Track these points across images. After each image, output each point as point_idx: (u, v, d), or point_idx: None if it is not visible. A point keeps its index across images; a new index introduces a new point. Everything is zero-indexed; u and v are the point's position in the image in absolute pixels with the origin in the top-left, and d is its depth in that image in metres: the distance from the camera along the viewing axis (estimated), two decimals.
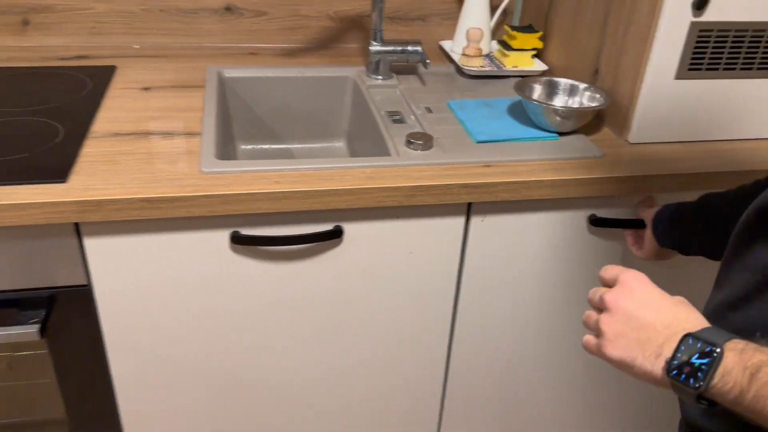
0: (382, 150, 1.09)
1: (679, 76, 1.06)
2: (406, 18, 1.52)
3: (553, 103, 1.16)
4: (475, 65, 1.37)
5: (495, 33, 1.51)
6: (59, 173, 0.91)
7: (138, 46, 1.42)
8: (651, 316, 0.58)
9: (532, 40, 1.38)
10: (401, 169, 1.00)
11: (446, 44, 1.51)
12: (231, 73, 1.33)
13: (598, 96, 1.14)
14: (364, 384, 1.19)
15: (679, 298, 0.61)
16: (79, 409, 1.09)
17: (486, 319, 1.16)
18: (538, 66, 1.38)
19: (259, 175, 0.96)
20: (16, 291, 0.96)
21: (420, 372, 1.20)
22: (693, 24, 1.01)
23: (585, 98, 1.16)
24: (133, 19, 1.40)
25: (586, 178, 1.02)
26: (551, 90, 1.18)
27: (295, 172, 0.97)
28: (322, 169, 0.98)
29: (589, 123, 1.14)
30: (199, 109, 1.15)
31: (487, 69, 1.37)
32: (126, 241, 0.94)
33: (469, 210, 1.04)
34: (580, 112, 1.10)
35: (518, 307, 1.16)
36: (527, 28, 1.40)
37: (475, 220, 1.04)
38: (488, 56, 1.43)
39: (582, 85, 1.17)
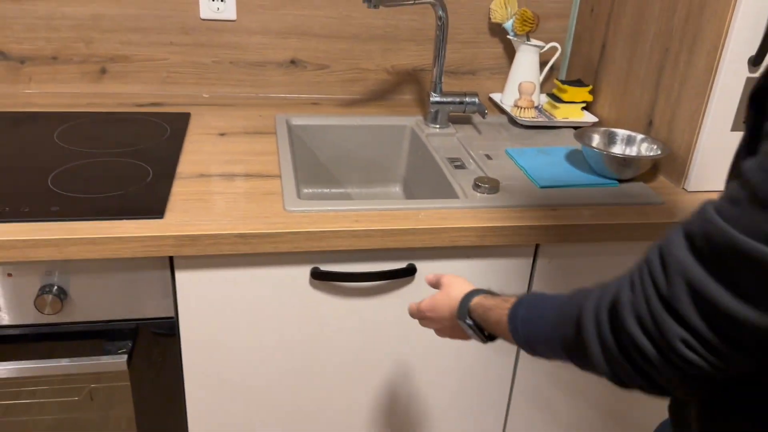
0: (448, 193, 1.14)
1: (735, 128, 1.11)
2: (458, 72, 1.60)
3: (614, 151, 1.22)
4: (528, 116, 1.44)
5: (542, 87, 1.59)
6: (156, 210, 0.97)
7: (207, 96, 1.51)
8: (444, 321, 0.85)
9: (583, 94, 1.45)
10: (473, 210, 1.05)
11: (496, 96, 1.58)
12: (297, 121, 1.40)
13: (655, 146, 1.19)
14: (431, 416, 1.21)
15: (446, 288, 0.86)
16: None
17: None
18: (588, 118, 1.44)
19: (339, 215, 1.01)
20: (104, 322, 1.01)
21: (484, 405, 1.22)
22: (749, 79, 1.07)
23: (643, 148, 1.21)
24: (204, 70, 1.49)
25: (649, 223, 1.06)
26: (609, 139, 1.24)
27: (373, 211, 1.03)
28: (398, 210, 1.04)
29: (646, 171, 1.19)
30: (273, 153, 1.22)
31: (540, 120, 1.44)
32: (213, 275, 0.99)
33: (536, 251, 1.08)
34: (640, 160, 1.15)
35: None
36: (576, 83, 1.47)
37: (542, 262, 1.08)
38: (538, 108, 1.50)
39: (639, 136, 1.22)
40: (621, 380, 0.57)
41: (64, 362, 0.97)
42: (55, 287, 0.95)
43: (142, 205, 0.98)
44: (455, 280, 0.86)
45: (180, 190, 1.05)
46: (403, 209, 1.04)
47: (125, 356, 0.98)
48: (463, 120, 1.47)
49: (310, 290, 1.04)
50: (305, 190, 1.44)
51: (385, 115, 1.47)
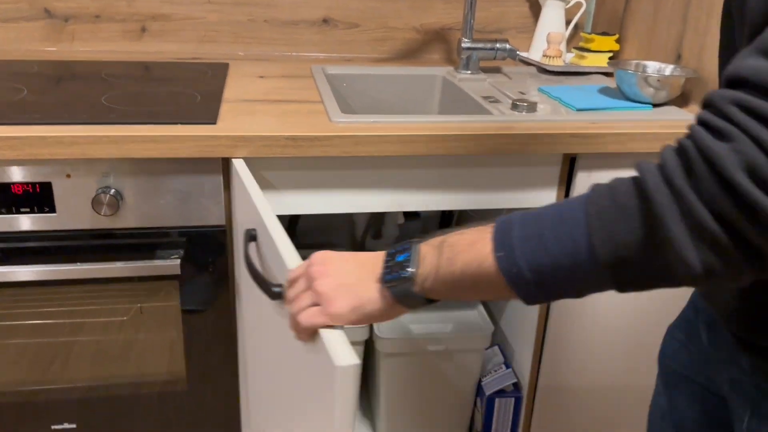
0: (487, 113, 1.17)
1: None
2: (485, 31, 1.64)
3: (647, 72, 1.25)
4: (558, 64, 1.47)
5: (567, 46, 1.62)
6: (210, 117, 1.00)
7: (243, 54, 1.55)
8: (353, 260, 0.58)
9: (609, 43, 1.48)
10: (513, 123, 1.08)
11: (522, 54, 1.62)
12: (332, 70, 1.44)
13: (685, 74, 1.22)
14: None
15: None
16: (199, 367, 1.13)
17: None
18: None
19: (384, 126, 1.04)
20: (157, 228, 1.02)
21: None
22: None
23: (675, 73, 1.24)
24: (239, 28, 1.54)
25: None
26: (642, 69, 1.27)
27: (417, 124, 1.05)
28: (442, 123, 1.06)
29: (678, 98, 1.21)
30: (313, 89, 1.25)
31: (569, 66, 1.47)
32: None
33: (573, 165, 1.10)
34: (672, 80, 1.18)
35: None
36: (602, 33, 1.50)
37: (581, 175, 1.10)
38: (565, 62, 1.54)
39: (670, 66, 1.25)
40: (710, 270, 0.43)
41: (118, 265, 0.98)
42: (112, 189, 0.97)
43: (195, 114, 1.02)
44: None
45: (228, 108, 1.08)
46: (447, 122, 1.07)
47: (178, 260, 1.00)
48: (493, 69, 1.50)
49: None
50: None
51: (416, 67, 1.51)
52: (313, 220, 1.61)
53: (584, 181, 1.11)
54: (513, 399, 1.28)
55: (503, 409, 1.29)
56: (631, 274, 0.46)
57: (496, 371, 1.31)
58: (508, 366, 1.31)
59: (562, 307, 1.19)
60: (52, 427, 1.12)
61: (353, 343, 1.25)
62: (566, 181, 1.12)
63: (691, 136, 0.43)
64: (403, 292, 0.54)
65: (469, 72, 1.43)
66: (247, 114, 1.05)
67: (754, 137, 0.40)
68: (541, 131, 1.04)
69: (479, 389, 1.32)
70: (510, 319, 1.35)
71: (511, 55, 1.41)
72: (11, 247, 0.99)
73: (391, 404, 1.30)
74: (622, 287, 0.47)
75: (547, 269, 0.48)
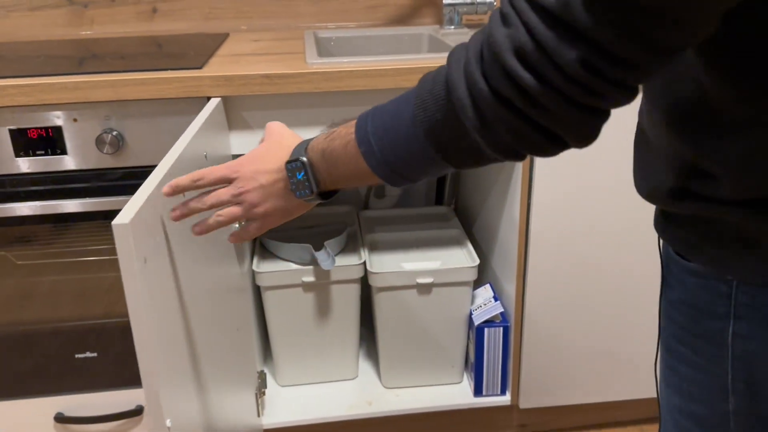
0: None
1: None
2: None
3: None
4: None
5: None
6: (196, 63, 1.12)
7: (245, 27, 1.68)
8: (266, 176, 0.68)
9: None
10: None
11: None
12: (324, 34, 1.54)
13: None
14: None
15: (273, 138, 0.70)
16: None
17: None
18: None
19: (356, 65, 1.13)
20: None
21: None
22: None
23: None
24: (241, 4, 1.66)
25: None
26: None
27: (388, 62, 1.14)
28: (408, 59, 1.15)
29: None
30: (301, 46, 1.36)
31: None
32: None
33: None
34: None
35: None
36: None
37: None
38: None
39: None
40: (512, 148, 0.49)
41: (121, 198, 1.11)
42: (114, 131, 1.09)
43: (184, 63, 1.13)
44: (286, 129, 0.72)
45: (217, 60, 1.20)
46: (413, 58, 1.16)
47: None
48: (478, 27, 1.58)
49: None
50: None
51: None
52: None
53: None
54: (501, 328, 1.35)
55: (493, 338, 1.36)
56: (458, 156, 0.53)
57: (485, 305, 1.38)
58: (497, 300, 1.37)
59: (540, 239, 1.25)
60: (76, 355, 1.25)
61: (349, 282, 1.35)
62: None
63: (488, 23, 0.48)
64: (310, 199, 0.67)
65: (453, 27, 1.51)
66: (233, 63, 1.17)
67: (525, 22, 0.43)
68: None
69: (471, 323, 1.39)
70: (497, 257, 1.41)
71: (491, 8, 1.49)
72: (32, 189, 1.12)
73: (388, 338, 1.38)
74: (460, 167, 0.55)
75: (394, 157, 0.56)
